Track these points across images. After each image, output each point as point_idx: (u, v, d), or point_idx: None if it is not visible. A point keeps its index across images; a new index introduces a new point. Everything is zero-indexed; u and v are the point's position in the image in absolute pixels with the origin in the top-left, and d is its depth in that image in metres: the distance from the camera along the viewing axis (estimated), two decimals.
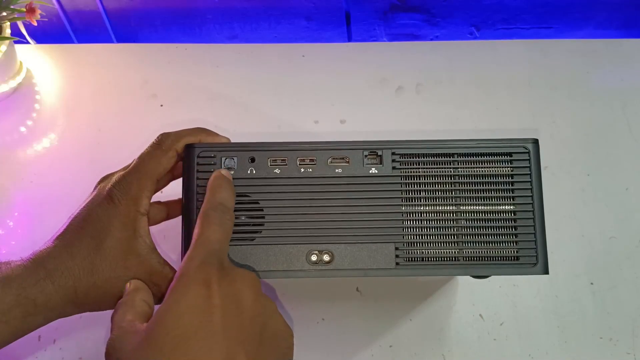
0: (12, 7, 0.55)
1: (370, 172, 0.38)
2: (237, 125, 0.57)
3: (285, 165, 0.38)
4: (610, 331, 0.48)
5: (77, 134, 0.57)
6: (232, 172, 0.38)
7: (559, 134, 0.56)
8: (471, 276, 0.39)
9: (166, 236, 0.49)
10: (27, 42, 0.61)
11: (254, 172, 0.38)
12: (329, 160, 0.38)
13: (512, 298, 0.49)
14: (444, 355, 0.47)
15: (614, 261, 0.51)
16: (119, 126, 0.57)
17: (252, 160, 0.38)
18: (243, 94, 0.59)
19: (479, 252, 0.37)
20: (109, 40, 0.68)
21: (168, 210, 0.43)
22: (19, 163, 0.55)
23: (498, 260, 0.37)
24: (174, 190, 0.41)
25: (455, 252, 0.37)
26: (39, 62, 0.61)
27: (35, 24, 0.55)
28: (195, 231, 0.35)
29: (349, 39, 0.69)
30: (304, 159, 0.38)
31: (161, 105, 0.58)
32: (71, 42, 0.68)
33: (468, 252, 0.37)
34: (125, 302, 0.35)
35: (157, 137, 0.39)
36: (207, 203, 0.36)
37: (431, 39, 0.68)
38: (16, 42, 0.60)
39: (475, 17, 0.65)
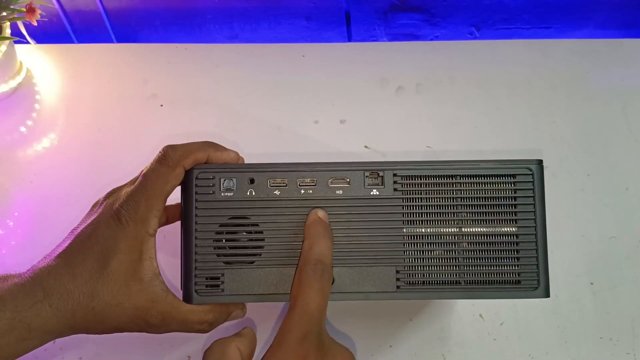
0: (12, 7, 0.55)
1: (372, 193, 0.38)
2: (236, 125, 0.57)
3: (285, 186, 0.38)
4: (610, 331, 0.48)
5: (77, 134, 0.57)
6: (231, 194, 0.38)
7: (559, 134, 0.56)
8: None
9: (166, 236, 0.49)
10: (27, 42, 0.61)
11: (254, 193, 0.38)
12: (330, 181, 0.38)
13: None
14: (444, 355, 0.47)
15: (614, 261, 0.51)
16: (119, 126, 0.57)
17: (252, 181, 0.38)
18: (243, 94, 0.59)
19: (480, 275, 0.37)
20: (109, 40, 0.68)
21: (167, 215, 0.42)
22: (19, 163, 0.55)
23: (499, 283, 0.37)
24: (172, 195, 0.41)
25: (456, 276, 0.37)
26: (39, 62, 0.61)
27: (35, 24, 0.55)
28: (294, 292, 0.34)
29: (349, 39, 0.69)
30: (304, 180, 0.38)
31: (161, 105, 0.58)
32: (71, 42, 0.68)
33: (469, 275, 0.37)
34: (220, 344, 0.34)
35: (162, 151, 0.37)
36: (305, 257, 0.35)
37: (431, 39, 0.68)
38: (16, 42, 0.60)
39: (475, 17, 0.65)
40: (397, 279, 0.37)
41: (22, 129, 0.57)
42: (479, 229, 0.37)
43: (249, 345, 0.34)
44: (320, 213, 0.37)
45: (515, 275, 0.37)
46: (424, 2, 0.63)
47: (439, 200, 0.37)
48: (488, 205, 0.37)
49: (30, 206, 0.53)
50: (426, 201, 0.37)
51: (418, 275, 0.37)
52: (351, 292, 0.37)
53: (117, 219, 0.35)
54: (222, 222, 0.37)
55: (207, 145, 0.39)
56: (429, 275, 0.37)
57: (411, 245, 0.37)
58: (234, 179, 0.38)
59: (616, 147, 0.55)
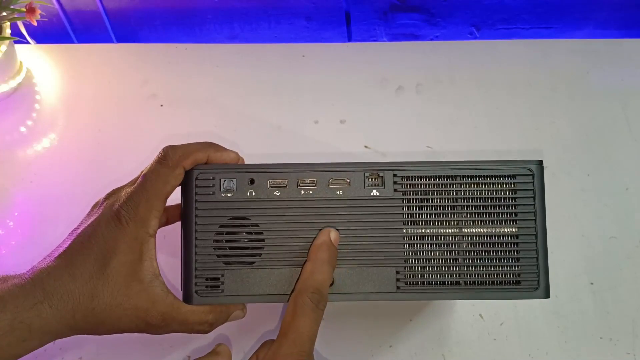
0: (12, 7, 0.55)
1: (372, 194, 0.38)
2: (236, 125, 0.57)
3: (285, 187, 0.38)
4: (610, 331, 0.48)
5: (77, 134, 0.57)
6: (231, 195, 0.37)
7: (559, 134, 0.56)
8: None
9: (166, 236, 0.49)
10: (27, 42, 0.61)
11: (254, 194, 0.38)
12: (330, 181, 0.38)
13: None
14: (444, 355, 0.47)
15: (614, 261, 0.51)
16: (119, 126, 0.57)
17: (252, 182, 0.38)
18: (243, 94, 0.59)
19: (480, 276, 0.37)
20: (109, 40, 0.68)
21: (167, 215, 0.42)
22: (19, 163, 0.55)
23: (499, 284, 0.37)
24: (172, 196, 0.41)
25: (456, 277, 0.37)
26: (39, 62, 0.61)
27: (35, 24, 0.55)
28: (288, 318, 0.35)
29: (349, 39, 0.69)
30: (304, 181, 0.38)
31: (161, 105, 0.58)
32: (71, 42, 0.68)
33: (469, 276, 0.37)
34: None
35: (162, 151, 0.37)
36: (304, 283, 0.35)
37: (431, 39, 0.68)
38: (16, 42, 0.60)
39: (475, 17, 0.65)
40: (397, 280, 0.37)
41: (22, 129, 0.57)
42: (479, 230, 0.37)
43: None
44: (333, 235, 0.37)
45: (516, 275, 0.37)
46: (424, 2, 0.63)
47: (439, 201, 0.37)
48: (488, 205, 0.37)
49: (30, 206, 0.53)
50: (426, 202, 0.37)
51: (418, 276, 0.37)
52: (351, 293, 0.37)
53: (117, 219, 0.35)
54: (222, 222, 0.37)
55: (207, 146, 0.39)
56: (429, 276, 0.37)
57: (411, 246, 0.37)
58: (234, 180, 0.38)
59: (616, 147, 0.55)
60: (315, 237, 0.37)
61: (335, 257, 0.37)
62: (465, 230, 0.37)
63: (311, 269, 0.36)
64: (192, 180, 0.38)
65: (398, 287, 0.37)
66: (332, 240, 0.37)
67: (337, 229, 0.37)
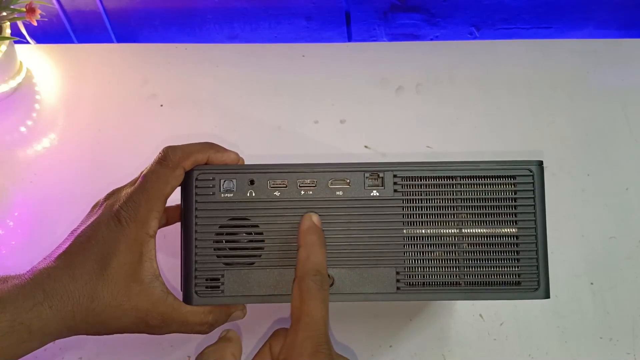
0: (12, 7, 0.55)
1: (372, 194, 0.38)
2: (236, 125, 0.57)
3: (285, 187, 0.38)
4: (610, 331, 0.48)
5: (77, 134, 0.57)
6: (231, 195, 0.37)
7: (559, 134, 0.56)
8: None
9: (166, 236, 0.49)
10: (27, 42, 0.61)
11: (254, 194, 0.38)
12: (330, 182, 0.38)
13: None
14: (444, 355, 0.47)
15: (614, 261, 0.51)
16: (119, 126, 0.57)
17: (252, 182, 0.38)
18: (243, 94, 0.59)
19: (480, 276, 0.37)
20: (109, 40, 0.68)
21: (167, 216, 0.42)
22: (19, 163, 0.55)
23: (499, 285, 0.37)
24: (172, 196, 0.41)
25: (456, 277, 0.37)
26: (39, 62, 0.61)
27: (35, 24, 0.55)
28: (297, 304, 0.34)
29: (349, 39, 0.69)
30: (304, 181, 0.38)
31: (161, 105, 0.58)
32: (71, 42, 0.68)
33: (469, 276, 0.37)
34: (214, 351, 0.34)
35: (162, 152, 0.37)
36: (304, 268, 0.35)
37: (431, 39, 0.68)
38: (16, 42, 0.60)
39: (475, 17, 0.65)
40: (397, 280, 0.37)
41: (22, 129, 0.57)
42: (479, 230, 0.37)
43: (240, 350, 0.35)
44: (315, 218, 0.37)
45: (516, 276, 0.37)
46: (424, 2, 0.63)
47: (439, 201, 0.37)
48: (488, 206, 0.37)
49: (30, 206, 0.53)
50: (426, 202, 0.37)
51: (418, 277, 0.37)
52: (351, 293, 0.37)
53: (117, 220, 0.35)
54: (222, 223, 0.37)
55: (207, 147, 0.39)
56: (429, 277, 0.37)
57: (411, 247, 0.37)
58: (234, 180, 0.38)
59: (616, 147, 0.55)
60: (300, 224, 0.37)
61: (324, 238, 0.37)
62: (465, 231, 0.37)
63: (306, 253, 0.35)
64: (192, 181, 0.38)
65: (398, 288, 0.37)
66: (316, 223, 0.37)
67: (318, 215, 0.37)
